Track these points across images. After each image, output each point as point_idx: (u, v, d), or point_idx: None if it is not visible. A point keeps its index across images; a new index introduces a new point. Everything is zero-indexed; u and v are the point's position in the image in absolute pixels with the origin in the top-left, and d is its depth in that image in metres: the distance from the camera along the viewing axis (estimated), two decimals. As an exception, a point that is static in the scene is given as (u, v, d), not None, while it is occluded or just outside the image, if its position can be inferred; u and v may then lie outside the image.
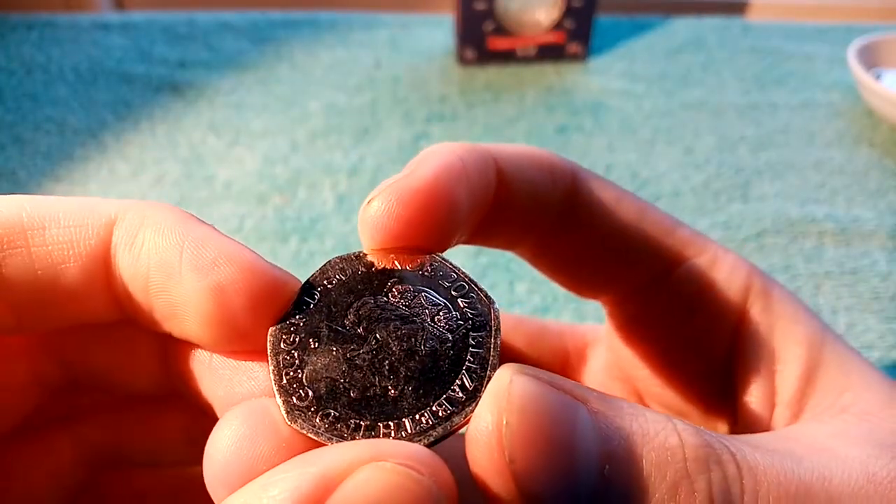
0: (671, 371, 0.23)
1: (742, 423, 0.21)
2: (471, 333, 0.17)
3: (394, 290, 0.17)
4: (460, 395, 0.16)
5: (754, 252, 0.48)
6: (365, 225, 0.17)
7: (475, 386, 0.16)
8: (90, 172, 0.54)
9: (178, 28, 0.72)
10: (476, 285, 0.17)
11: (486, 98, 0.64)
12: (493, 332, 0.17)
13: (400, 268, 0.18)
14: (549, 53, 0.69)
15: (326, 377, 0.16)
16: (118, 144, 0.57)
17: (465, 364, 0.16)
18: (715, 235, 0.49)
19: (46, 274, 0.16)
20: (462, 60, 0.68)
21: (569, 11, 0.67)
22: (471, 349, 0.16)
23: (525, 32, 0.67)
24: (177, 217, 0.16)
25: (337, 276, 0.18)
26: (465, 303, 0.17)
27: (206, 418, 0.19)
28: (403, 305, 0.17)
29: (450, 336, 0.17)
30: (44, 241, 0.16)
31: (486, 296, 0.17)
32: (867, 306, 0.44)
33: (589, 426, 0.14)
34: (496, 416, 0.14)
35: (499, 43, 0.68)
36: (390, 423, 0.15)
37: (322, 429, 0.15)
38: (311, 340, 0.16)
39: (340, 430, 0.15)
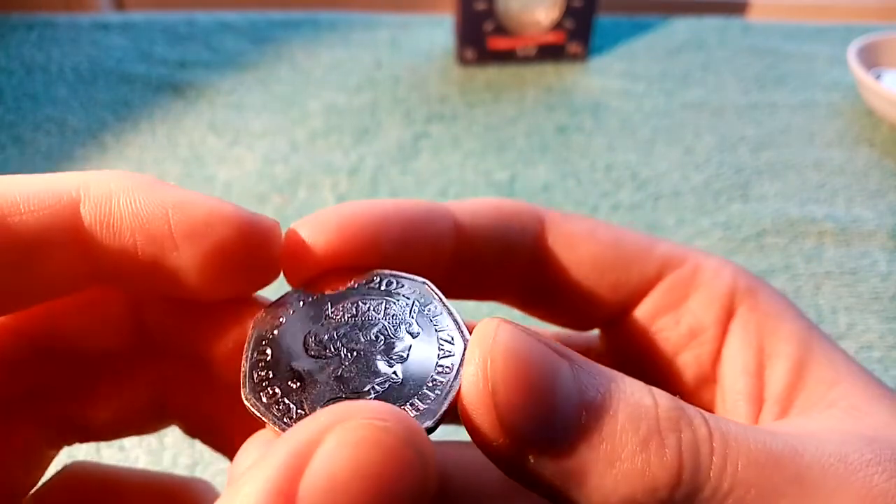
0: (662, 378, 0.23)
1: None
2: (425, 308, 0.17)
3: (333, 310, 0.18)
4: (448, 364, 0.16)
5: (754, 252, 0.48)
6: (284, 257, 0.18)
7: (463, 344, 0.16)
8: (90, 172, 0.54)
9: (178, 28, 0.72)
10: (400, 274, 0.18)
11: (486, 98, 0.64)
12: (441, 301, 0.17)
13: (331, 292, 0.18)
14: (549, 53, 0.69)
15: (327, 401, 0.16)
16: (118, 144, 0.57)
17: (437, 340, 0.17)
18: (715, 235, 0.49)
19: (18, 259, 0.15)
20: (462, 60, 0.68)
21: (569, 11, 0.67)
22: (434, 325, 0.17)
23: (525, 32, 0.67)
24: (144, 184, 0.16)
25: (278, 321, 0.18)
26: (401, 293, 0.18)
27: (171, 385, 0.20)
28: (350, 318, 0.18)
29: (412, 320, 0.17)
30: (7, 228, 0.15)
31: (414, 278, 0.18)
32: (867, 306, 0.44)
33: (569, 375, 0.15)
34: (482, 358, 0.14)
35: (499, 43, 0.68)
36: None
37: None
38: (290, 384, 0.16)
39: None
